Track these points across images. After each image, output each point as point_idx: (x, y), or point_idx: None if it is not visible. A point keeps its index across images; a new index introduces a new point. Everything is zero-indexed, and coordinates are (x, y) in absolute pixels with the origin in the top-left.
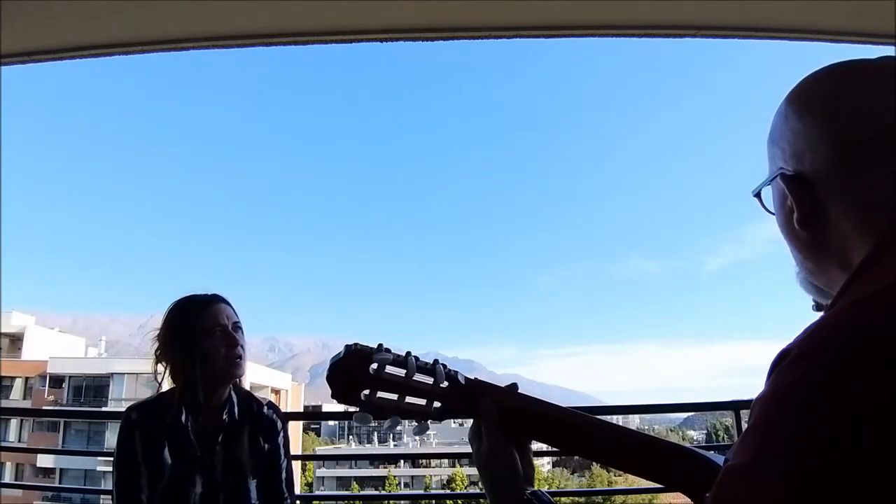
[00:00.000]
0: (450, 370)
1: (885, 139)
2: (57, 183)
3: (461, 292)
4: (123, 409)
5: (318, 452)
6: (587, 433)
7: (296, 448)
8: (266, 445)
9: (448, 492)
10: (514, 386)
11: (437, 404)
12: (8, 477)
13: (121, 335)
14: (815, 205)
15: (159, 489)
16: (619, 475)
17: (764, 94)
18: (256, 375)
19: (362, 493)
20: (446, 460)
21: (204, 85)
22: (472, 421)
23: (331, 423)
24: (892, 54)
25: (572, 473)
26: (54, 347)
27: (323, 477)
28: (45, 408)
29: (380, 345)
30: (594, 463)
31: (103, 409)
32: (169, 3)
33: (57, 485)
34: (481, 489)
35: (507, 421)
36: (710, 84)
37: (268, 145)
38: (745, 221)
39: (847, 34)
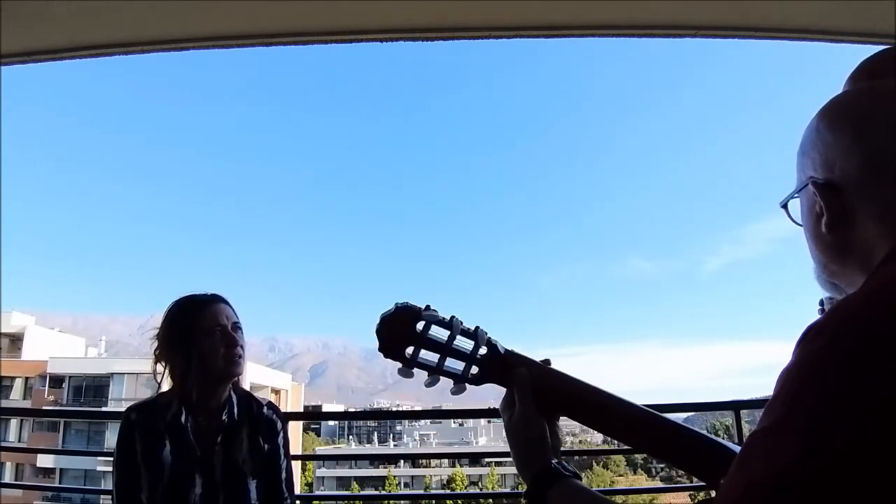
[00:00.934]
0: (490, 338)
1: None
2: (57, 182)
3: (461, 292)
4: (123, 410)
5: (318, 452)
6: (617, 414)
7: (296, 448)
8: (266, 445)
9: (448, 492)
10: (547, 361)
11: (474, 369)
12: (8, 477)
13: (121, 335)
14: (843, 209)
15: (159, 489)
16: (621, 475)
17: (764, 95)
18: (256, 375)
19: (362, 493)
20: (446, 460)
21: (204, 85)
22: (504, 391)
23: (331, 423)
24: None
25: None
26: (54, 347)
27: (323, 477)
28: (45, 408)
29: (427, 305)
30: (595, 462)
31: (103, 409)
32: (169, 3)
33: (57, 485)
34: (481, 488)
35: (538, 393)
36: (710, 84)
37: (268, 145)
38: (744, 221)
39: (847, 34)
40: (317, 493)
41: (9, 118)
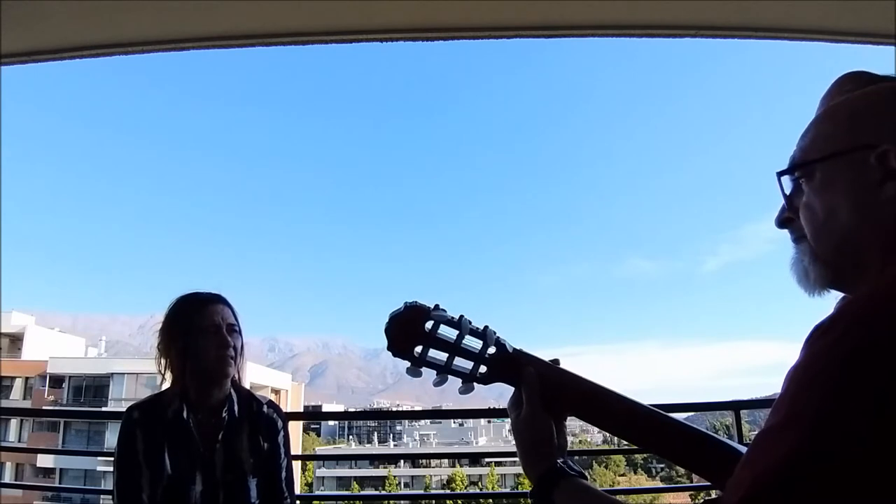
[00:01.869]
0: (499, 337)
1: None
2: (57, 182)
3: (461, 292)
4: (123, 409)
5: (318, 452)
6: (625, 414)
7: (296, 448)
8: (266, 444)
9: (448, 492)
10: (556, 361)
11: (483, 368)
12: (8, 477)
13: (121, 335)
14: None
15: (160, 488)
16: (623, 475)
17: (764, 95)
18: (256, 375)
19: (362, 493)
20: (446, 460)
21: (204, 85)
22: (513, 390)
23: (331, 423)
24: (893, 54)
25: None
26: (54, 347)
27: (323, 477)
28: (45, 408)
29: (436, 304)
30: (595, 463)
31: (103, 409)
32: (169, 3)
33: (57, 485)
34: (481, 488)
35: (547, 392)
36: (710, 84)
37: (268, 145)
38: (743, 221)
39: (847, 34)
40: (317, 493)
41: (9, 118)
